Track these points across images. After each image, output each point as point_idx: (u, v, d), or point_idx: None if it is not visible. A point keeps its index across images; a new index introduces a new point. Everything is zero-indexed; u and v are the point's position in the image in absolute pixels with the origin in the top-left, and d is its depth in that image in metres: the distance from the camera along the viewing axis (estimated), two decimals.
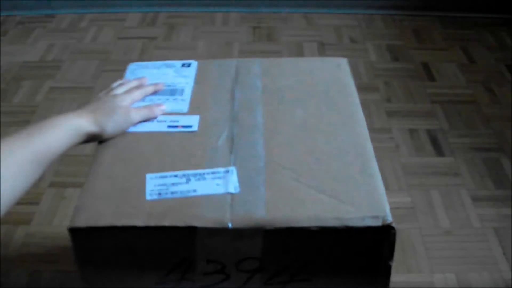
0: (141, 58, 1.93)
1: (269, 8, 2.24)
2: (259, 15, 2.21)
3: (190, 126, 0.80)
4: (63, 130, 0.72)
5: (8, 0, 2.18)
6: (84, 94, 1.74)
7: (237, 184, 0.70)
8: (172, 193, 0.68)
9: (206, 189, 0.69)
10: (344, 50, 2.00)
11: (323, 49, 1.99)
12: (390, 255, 0.68)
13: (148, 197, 0.68)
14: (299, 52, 1.97)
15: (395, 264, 0.69)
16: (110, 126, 0.78)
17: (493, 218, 1.33)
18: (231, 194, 0.69)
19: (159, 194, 0.68)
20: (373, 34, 2.10)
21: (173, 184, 0.70)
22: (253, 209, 0.67)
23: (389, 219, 0.66)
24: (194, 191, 0.69)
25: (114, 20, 2.19)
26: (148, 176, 0.71)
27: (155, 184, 0.70)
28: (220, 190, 0.69)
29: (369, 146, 0.79)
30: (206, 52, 1.98)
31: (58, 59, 1.94)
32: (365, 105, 1.69)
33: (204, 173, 0.71)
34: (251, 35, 2.09)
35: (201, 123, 0.81)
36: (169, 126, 0.80)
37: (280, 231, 0.65)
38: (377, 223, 0.65)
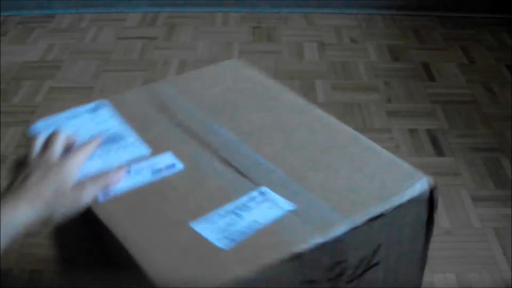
0: (141, 58, 1.94)
1: (269, 8, 2.24)
2: (259, 15, 2.21)
3: (174, 165, 0.74)
4: (4, 232, 0.59)
5: (8, 0, 2.19)
6: (84, 94, 1.74)
7: (285, 199, 0.68)
8: (241, 232, 0.64)
9: (266, 216, 0.66)
10: (344, 50, 2.00)
11: (323, 49, 1.99)
12: (435, 208, 0.74)
13: (223, 246, 0.63)
14: (299, 52, 1.97)
15: None
16: (62, 209, 0.63)
17: (493, 218, 1.33)
18: (291, 211, 0.67)
19: (231, 239, 0.63)
20: (373, 34, 2.10)
21: (230, 224, 0.65)
22: (327, 216, 0.66)
23: (431, 180, 0.72)
24: (257, 222, 0.66)
25: (114, 20, 2.19)
26: (194, 226, 0.65)
27: (213, 231, 0.65)
28: (279, 211, 0.67)
29: (349, 128, 0.81)
30: (206, 52, 1.98)
31: (58, 59, 1.94)
32: (365, 105, 1.70)
33: (243, 203, 0.68)
34: (251, 35, 2.09)
35: (179, 159, 0.75)
36: (154, 173, 0.73)
37: (363, 226, 0.66)
38: (426, 186, 0.72)
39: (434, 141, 1.57)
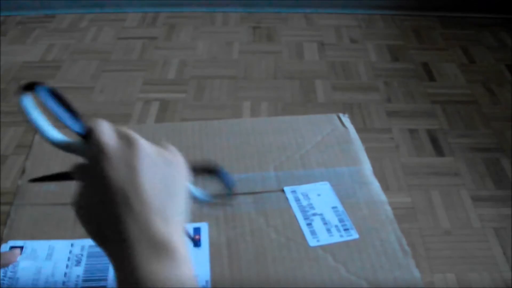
0: (141, 58, 1.94)
1: (269, 8, 2.24)
2: (259, 15, 2.21)
3: (198, 228, 0.65)
4: None
5: (8, 0, 2.18)
6: (84, 94, 1.74)
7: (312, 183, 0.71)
8: (342, 220, 0.67)
9: (330, 200, 0.69)
10: (344, 50, 2.00)
11: (323, 49, 1.99)
12: None
13: (357, 236, 0.65)
14: (299, 52, 1.97)
15: None
16: None
17: (493, 218, 1.33)
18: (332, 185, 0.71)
19: (348, 228, 0.65)
20: (373, 34, 2.10)
21: (327, 222, 0.66)
22: (350, 174, 0.72)
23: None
24: (336, 207, 0.68)
25: (114, 20, 2.19)
26: (313, 244, 0.65)
27: (327, 236, 0.65)
28: (329, 190, 0.70)
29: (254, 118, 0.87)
30: (206, 52, 1.98)
31: (58, 59, 1.94)
32: (365, 105, 1.70)
33: (301, 206, 0.68)
34: (251, 35, 2.09)
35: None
36: (191, 243, 0.63)
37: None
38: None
39: (434, 141, 1.57)
